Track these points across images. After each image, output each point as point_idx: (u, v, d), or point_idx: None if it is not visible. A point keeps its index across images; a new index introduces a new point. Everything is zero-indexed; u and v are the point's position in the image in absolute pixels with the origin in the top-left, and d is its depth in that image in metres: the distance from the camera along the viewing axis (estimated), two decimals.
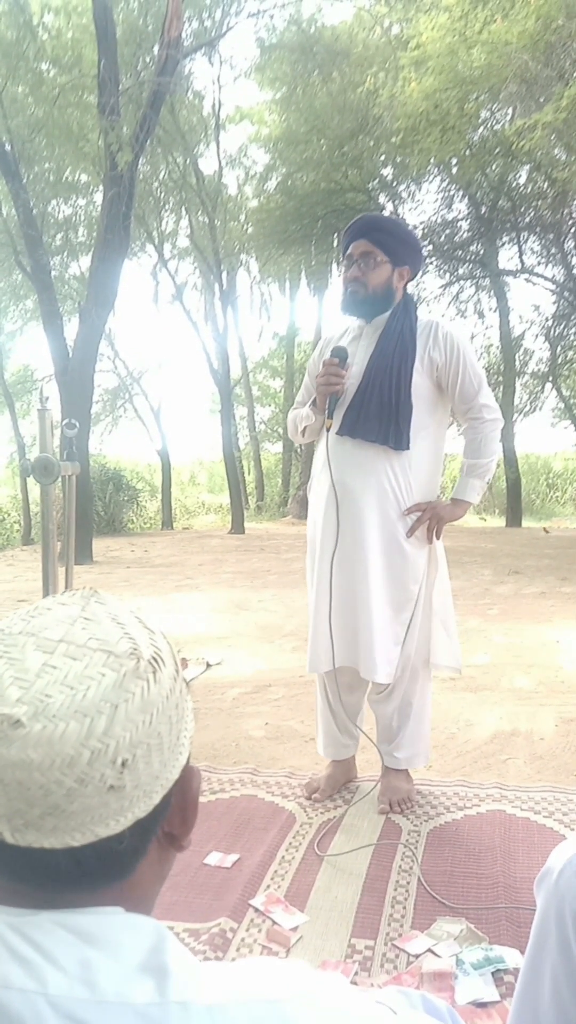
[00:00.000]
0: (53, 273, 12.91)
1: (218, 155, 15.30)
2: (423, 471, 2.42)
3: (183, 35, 10.53)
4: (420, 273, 14.00)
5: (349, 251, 2.44)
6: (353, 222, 2.48)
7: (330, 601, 2.42)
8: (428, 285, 15.80)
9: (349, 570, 2.39)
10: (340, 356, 2.40)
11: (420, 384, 2.37)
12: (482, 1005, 1.59)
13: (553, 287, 15.07)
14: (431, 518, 2.39)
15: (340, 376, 2.38)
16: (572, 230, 13.54)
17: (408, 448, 2.36)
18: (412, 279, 2.53)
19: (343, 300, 2.47)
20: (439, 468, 2.53)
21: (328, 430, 2.41)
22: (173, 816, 0.66)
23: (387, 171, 13.88)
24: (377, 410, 2.34)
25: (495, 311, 16.02)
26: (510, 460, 15.68)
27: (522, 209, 13.78)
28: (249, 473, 23.38)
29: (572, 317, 15.22)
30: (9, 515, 18.03)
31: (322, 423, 2.46)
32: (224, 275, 15.78)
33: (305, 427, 2.55)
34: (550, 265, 14.94)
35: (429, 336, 2.39)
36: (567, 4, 8.57)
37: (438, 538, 2.45)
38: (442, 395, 2.43)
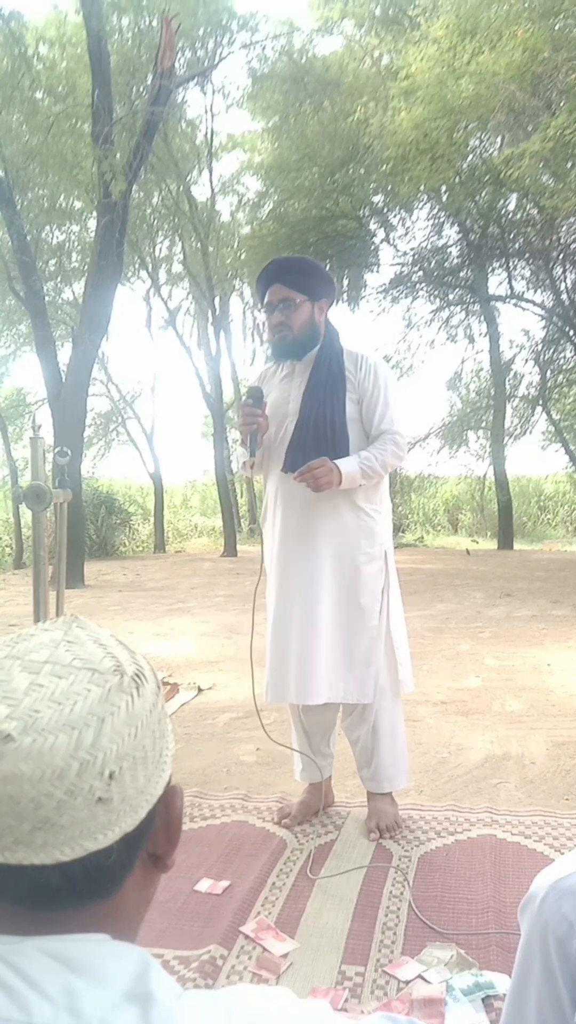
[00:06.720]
0: (46, 298, 12.96)
1: (211, 182, 15.47)
2: (369, 490, 2.49)
3: (176, 65, 10.69)
4: (411, 299, 13.95)
5: (267, 299, 2.49)
6: (264, 269, 2.53)
7: (274, 633, 2.52)
8: (418, 311, 15.96)
9: (301, 602, 2.46)
10: (254, 396, 2.49)
11: (353, 409, 2.45)
12: None
13: (542, 312, 15.22)
14: (310, 475, 2.34)
15: (256, 415, 2.46)
16: (560, 256, 13.69)
17: None
18: (330, 307, 2.60)
19: (273, 347, 2.55)
20: (384, 482, 2.58)
21: (252, 468, 2.49)
22: (158, 834, 0.67)
23: (378, 199, 14.03)
24: (315, 443, 2.42)
25: (485, 336, 16.16)
26: (501, 483, 15.73)
27: (511, 236, 13.95)
28: (242, 496, 23.34)
29: (561, 342, 15.36)
30: (1, 539, 17.95)
31: (253, 461, 2.50)
32: (217, 300, 15.88)
33: (243, 463, 2.57)
34: (539, 291, 15.11)
35: (356, 363, 2.48)
36: (553, 37, 8.74)
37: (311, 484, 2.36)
38: None
